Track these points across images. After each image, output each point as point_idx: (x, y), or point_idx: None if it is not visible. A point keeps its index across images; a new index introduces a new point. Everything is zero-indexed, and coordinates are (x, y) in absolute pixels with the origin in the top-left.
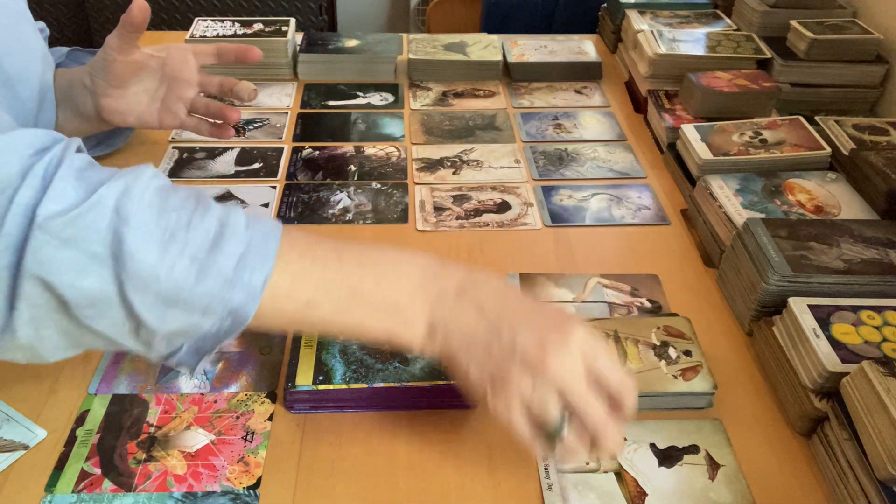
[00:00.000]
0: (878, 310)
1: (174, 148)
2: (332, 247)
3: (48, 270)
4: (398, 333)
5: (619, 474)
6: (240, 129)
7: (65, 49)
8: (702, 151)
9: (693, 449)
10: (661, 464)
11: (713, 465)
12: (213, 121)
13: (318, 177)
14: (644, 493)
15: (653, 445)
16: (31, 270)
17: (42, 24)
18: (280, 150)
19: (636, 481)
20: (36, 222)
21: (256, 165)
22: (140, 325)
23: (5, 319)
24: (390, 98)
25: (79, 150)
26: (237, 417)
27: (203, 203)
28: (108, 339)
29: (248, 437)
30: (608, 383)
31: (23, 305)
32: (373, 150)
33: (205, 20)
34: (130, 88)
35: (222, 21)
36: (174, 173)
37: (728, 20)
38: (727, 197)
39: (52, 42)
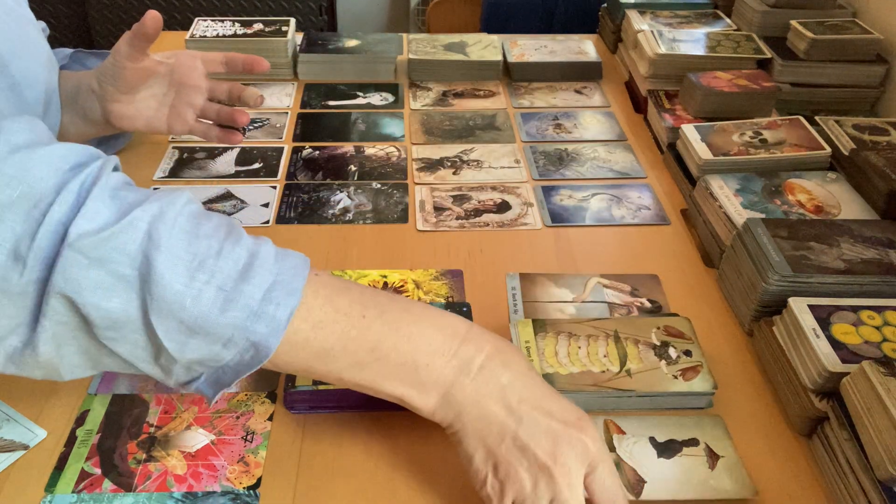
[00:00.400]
0: (879, 310)
1: (174, 148)
2: (358, 298)
3: (75, 289)
4: (411, 398)
5: (618, 464)
6: (240, 129)
7: (68, 50)
8: (702, 151)
9: (692, 442)
10: (659, 455)
11: (713, 456)
12: (221, 126)
13: (318, 177)
14: (643, 481)
15: (652, 439)
16: (58, 287)
17: (42, 24)
18: (280, 150)
19: (634, 470)
20: (67, 240)
21: (256, 165)
22: (161, 350)
23: (28, 335)
24: (390, 98)
25: (115, 169)
26: (237, 417)
27: (235, 232)
28: (128, 362)
29: (248, 437)
30: (596, 499)
31: (47, 322)
32: (373, 150)
33: (205, 20)
34: (139, 94)
35: (222, 21)
36: (174, 173)
37: (728, 20)
38: (727, 197)
39: (52, 41)
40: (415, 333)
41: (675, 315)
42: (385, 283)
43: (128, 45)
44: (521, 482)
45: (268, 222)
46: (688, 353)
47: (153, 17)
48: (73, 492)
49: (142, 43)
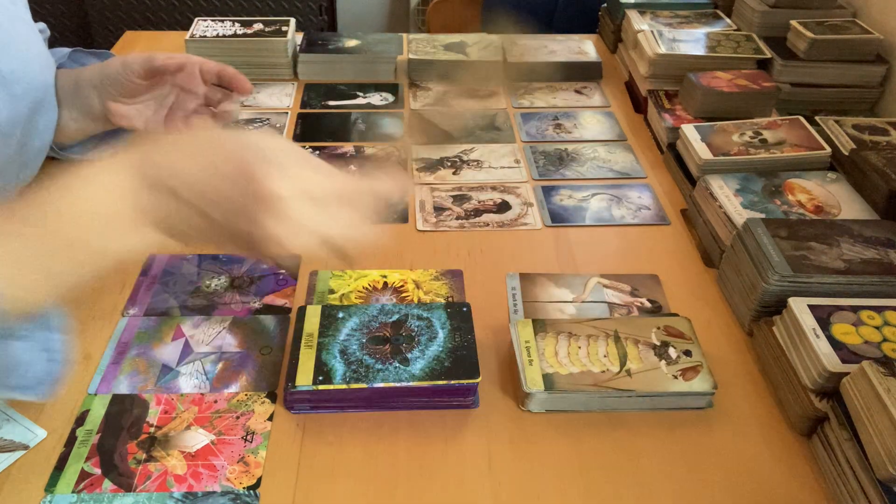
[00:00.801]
0: (878, 310)
1: None
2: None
3: None
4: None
5: None
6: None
7: (66, 50)
8: (702, 151)
9: None
10: None
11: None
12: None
13: None
14: None
15: None
16: None
17: (42, 25)
18: None
19: None
20: None
21: None
22: None
23: None
24: (390, 98)
25: None
26: (237, 417)
27: None
28: None
29: (248, 437)
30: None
31: None
32: (373, 150)
33: (205, 20)
34: (141, 97)
35: (222, 21)
36: None
37: (728, 20)
38: (727, 197)
39: (52, 42)
40: (87, 192)
41: (675, 315)
42: (385, 283)
43: (144, 68)
44: (270, 239)
45: None
46: (688, 353)
47: (190, 71)
48: (73, 492)
49: (161, 74)
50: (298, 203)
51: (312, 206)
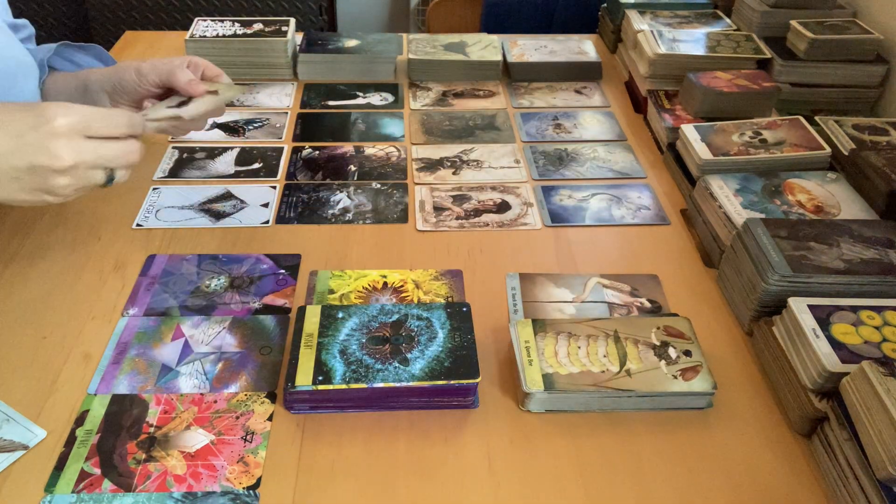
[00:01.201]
0: (878, 310)
1: (174, 148)
2: None
3: None
4: None
5: None
6: (239, 129)
7: (52, 45)
8: (702, 151)
9: None
10: None
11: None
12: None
13: (318, 177)
14: None
15: None
16: None
17: (24, 22)
18: (280, 150)
19: None
20: None
21: (256, 165)
22: None
23: None
24: (390, 98)
25: None
26: (237, 417)
27: None
28: None
29: (248, 437)
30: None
31: None
32: (373, 150)
33: (205, 20)
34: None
35: (222, 21)
36: (174, 173)
37: (728, 20)
38: (727, 197)
39: (52, 41)
40: None
41: (675, 315)
42: (385, 283)
43: (160, 78)
44: (58, 185)
45: (268, 222)
46: (688, 353)
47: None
48: (72, 492)
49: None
50: (79, 135)
51: (91, 136)
